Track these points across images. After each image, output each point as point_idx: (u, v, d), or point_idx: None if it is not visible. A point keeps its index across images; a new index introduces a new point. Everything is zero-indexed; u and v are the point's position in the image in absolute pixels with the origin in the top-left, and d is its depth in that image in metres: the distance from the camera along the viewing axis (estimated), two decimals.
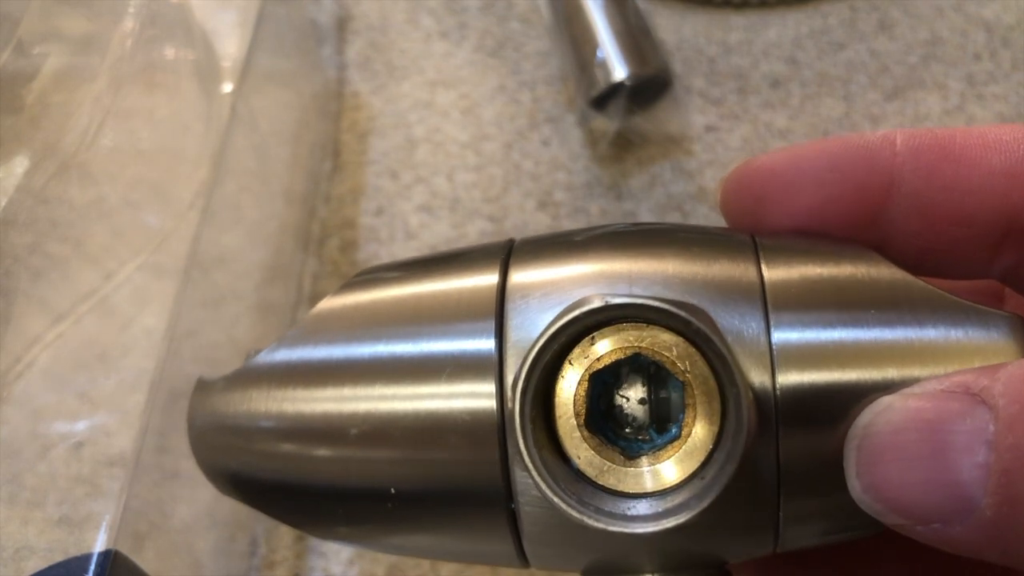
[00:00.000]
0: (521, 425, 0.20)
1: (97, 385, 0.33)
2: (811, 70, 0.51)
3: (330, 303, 0.24)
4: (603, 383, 0.21)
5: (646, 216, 0.47)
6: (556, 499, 0.19)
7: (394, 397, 0.22)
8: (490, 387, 0.21)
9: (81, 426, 0.32)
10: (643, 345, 0.20)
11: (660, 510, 0.20)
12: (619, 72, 0.46)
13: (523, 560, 0.23)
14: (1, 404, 0.31)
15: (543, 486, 0.20)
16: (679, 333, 0.20)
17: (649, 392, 0.21)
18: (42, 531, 0.30)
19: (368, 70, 0.53)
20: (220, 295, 0.38)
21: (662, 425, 0.21)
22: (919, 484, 0.18)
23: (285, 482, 0.23)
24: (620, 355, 0.20)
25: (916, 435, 0.18)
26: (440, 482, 0.22)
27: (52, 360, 0.33)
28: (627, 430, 0.21)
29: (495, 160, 0.49)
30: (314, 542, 0.38)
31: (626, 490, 0.20)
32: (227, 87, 0.38)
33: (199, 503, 0.34)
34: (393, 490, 0.22)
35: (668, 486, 0.20)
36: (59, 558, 0.27)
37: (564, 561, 0.23)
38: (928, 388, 0.19)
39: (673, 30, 0.53)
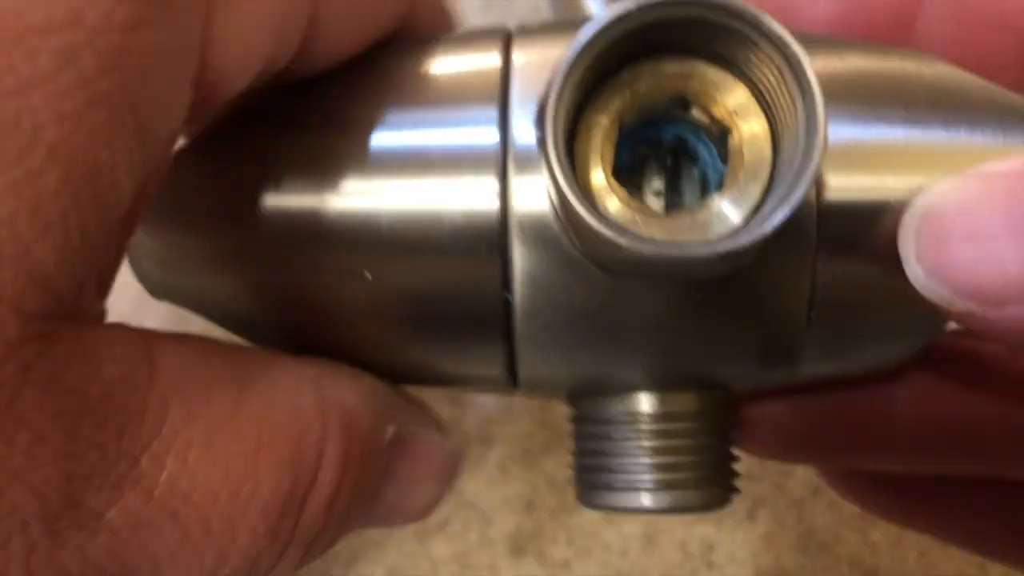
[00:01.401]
0: (554, 141, 0.16)
1: None
2: None
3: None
4: (621, 167, 0.18)
5: None
6: (589, 216, 0.16)
7: (381, 192, 0.20)
8: (490, 181, 0.19)
9: None
10: (688, 83, 0.18)
11: (707, 237, 0.17)
12: None
13: (511, 377, 0.21)
14: None
15: (573, 200, 0.16)
16: (730, 69, 0.18)
17: (669, 183, 0.19)
18: None
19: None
20: None
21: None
22: (995, 263, 0.16)
23: (252, 278, 0.21)
24: (657, 96, 0.18)
25: (989, 212, 0.16)
26: (427, 278, 0.20)
27: None
28: (667, 198, 0.19)
29: None
30: None
31: (664, 237, 0.18)
32: None
33: None
34: (367, 274, 0.20)
35: (718, 231, 0.17)
36: None
37: (554, 370, 0.21)
38: (997, 167, 0.17)
39: None
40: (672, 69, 0.18)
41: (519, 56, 0.20)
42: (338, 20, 0.20)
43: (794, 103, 0.17)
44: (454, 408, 0.39)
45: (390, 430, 0.21)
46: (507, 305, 0.19)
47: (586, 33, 0.16)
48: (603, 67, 0.18)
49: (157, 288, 0.23)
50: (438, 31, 0.23)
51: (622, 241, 0.16)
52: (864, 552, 0.37)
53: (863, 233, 0.19)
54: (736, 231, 0.17)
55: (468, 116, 0.20)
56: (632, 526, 0.37)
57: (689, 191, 0.19)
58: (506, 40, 0.20)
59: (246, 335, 0.23)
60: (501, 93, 0.20)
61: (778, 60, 0.17)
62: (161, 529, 0.16)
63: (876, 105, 0.19)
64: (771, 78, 0.17)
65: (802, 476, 0.38)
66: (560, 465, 0.38)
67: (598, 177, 0.18)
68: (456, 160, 0.19)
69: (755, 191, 0.18)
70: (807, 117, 0.16)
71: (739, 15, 0.17)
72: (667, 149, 0.19)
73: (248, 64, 0.18)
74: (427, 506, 0.22)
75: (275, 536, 0.18)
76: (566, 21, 0.21)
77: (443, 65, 0.21)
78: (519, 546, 0.37)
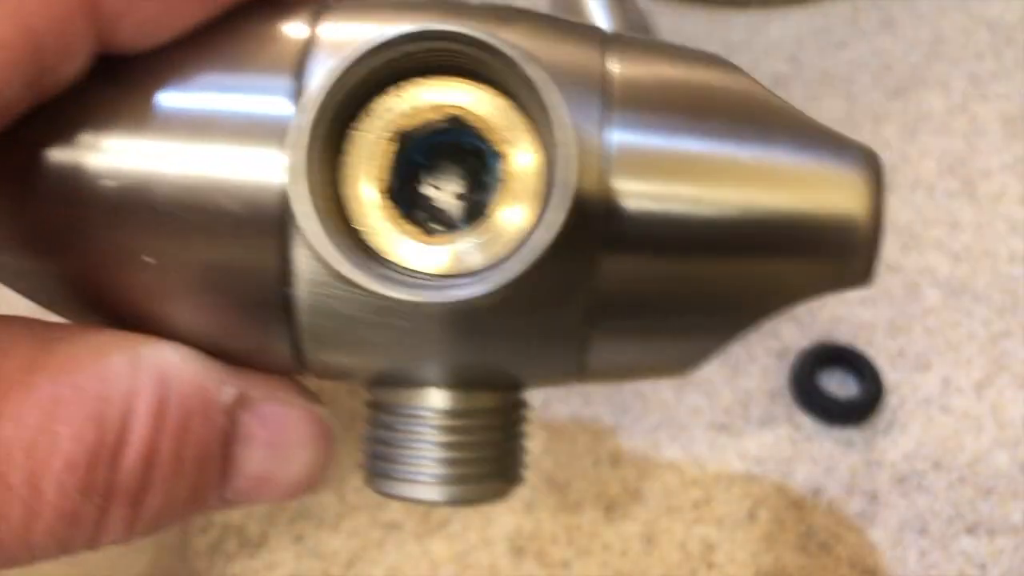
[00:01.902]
0: (306, 165, 0.16)
1: None
2: (813, 69, 0.51)
3: None
4: (412, 166, 0.18)
5: None
6: (329, 252, 0.16)
7: (162, 153, 0.18)
8: (274, 154, 0.18)
9: None
10: (459, 105, 0.17)
11: (450, 284, 0.17)
12: None
13: (299, 360, 0.20)
14: None
15: (314, 237, 0.16)
16: (504, 93, 0.17)
17: (469, 187, 0.19)
18: None
19: None
20: None
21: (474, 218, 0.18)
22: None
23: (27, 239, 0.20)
24: (432, 115, 0.18)
25: None
26: (207, 260, 0.19)
27: None
28: (432, 224, 0.19)
29: None
30: (313, 543, 0.37)
31: (421, 269, 0.18)
32: None
33: None
34: (147, 258, 0.19)
35: (469, 271, 0.17)
36: None
37: (341, 360, 0.21)
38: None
39: (674, 29, 0.53)
40: (444, 89, 0.18)
41: (325, 29, 0.19)
42: (134, 11, 0.19)
43: (553, 138, 0.17)
44: None
45: (228, 390, 0.20)
46: (287, 298, 0.19)
47: (336, 68, 0.16)
48: (374, 84, 0.17)
49: None
50: None
51: (362, 282, 0.16)
52: (864, 552, 0.37)
53: (651, 234, 0.19)
54: (473, 279, 0.17)
55: (262, 85, 0.19)
56: (632, 526, 0.37)
57: (490, 197, 0.19)
58: (317, 12, 0.20)
59: (61, 313, 0.22)
60: (298, 65, 0.19)
61: (533, 95, 0.17)
62: None
63: (679, 116, 0.19)
64: (535, 111, 0.17)
65: (802, 476, 0.38)
66: (560, 465, 0.38)
67: (367, 192, 0.18)
68: (243, 129, 0.18)
69: (517, 220, 0.17)
70: (557, 151, 0.16)
71: (491, 51, 0.17)
72: (469, 154, 0.19)
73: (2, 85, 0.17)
74: (303, 475, 0.21)
75: (88, 490, 0.18)
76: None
77: (251, 32, 0.20)
78: (519, 546, 0.37)
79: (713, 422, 0.40)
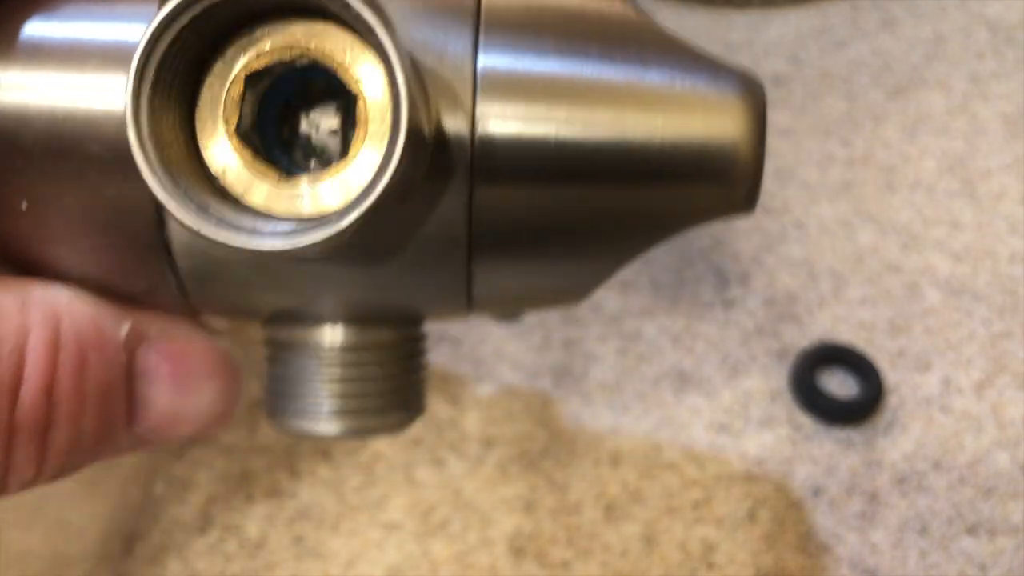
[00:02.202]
0: (135, 112, 0.16)
1: None
2: (813, 69, 0.51)
3: None
4: (287, 102, 0.18)
5: None
6: (170, 201, 0.16)
7: (30, 86, 0.18)
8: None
9: None
10: (311, 46, 0.17)
11: (297, 228, 0.17)
12: None
13: (186, 300, 0.20)
14: None
15: (155, 185, 0.16)
16: (356, 32, 0.17)
17: (342, 124, 0.18)
18: None
19: None
20: None
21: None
22: None
23: None
24: (282, 55, 0.17)
25: None
26: (82, 203, 0.18)
27: None
28: (312, 162, 0.19)
29: None
30: (313, 543, 0.37)
31: (277, 212, 0.17)
32: None
33: None
34: (24, 205, 0.19)
35: (326, 212, 0.17)
36: None
37: (226, 300, 0.21)
38: None
39: (674, 29, 0.53)
40: (299, 30, 0.17)
41: None
42: None
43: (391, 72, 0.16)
44: (454, 408, 0.39)
45: (124, 326, 0.20)
46: (165, 240, 0.19)
47: (162, 13, 0.16)
48: (225, 25, 0.17)
49: None
50: None
51: (193, 226, 0.16)
52: (864, 552, 0.37)
53: (525, 162, 0.19)
54: (319, 221, 0.17)
55: (130, 12, 0.18)
56: (632, 526, 0.37)
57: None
58: None
59: None
60: None
61: (359, 22, 0.16)
62: None
63: (546, 38, 0.19)
64: (371, 42, 0.17)
65: (803, 476, 0.38)
66: (559, 465, 0.38)
67: (219, 135, 0.17)
68: (110, 58, 0.18)
69: (372, 161, 0.17)
70: (392, 92, 0.16)
71: None
72: (343, 91, 0.18)
73: None
74: (212, 407, 0.22)
75: None
76: None
77: None
78: (519, 546, 0.37)
79: (713, 422, 0.40)
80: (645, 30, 0.20)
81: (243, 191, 0.17)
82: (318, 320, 0.21)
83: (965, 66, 0.51)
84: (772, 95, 0.51)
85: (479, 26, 0.19)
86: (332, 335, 0.21)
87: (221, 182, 0.17)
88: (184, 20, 0.16)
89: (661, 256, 0.44)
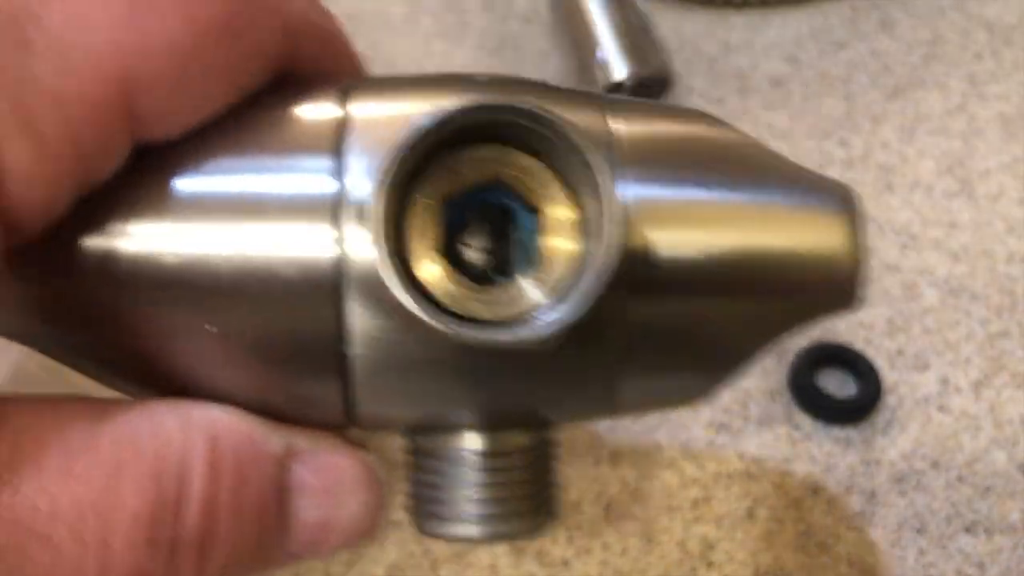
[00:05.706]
0: (377, 233, 0.18)
1: None
2: (812, 70, 0.51)
3: None
4: (452, 224, 0.20)
5: None
6: (415, 309, 0.18)
7: (216, 240, 0.20)
8: (326, 230, 0.20)
9: None
10: (503, 170, 0.20)
11: (513, 326, 0.19)
12: (619, 72, 0.46)
13: (350, 415, 0.22)
14: None
15: (408, 301, 0.18)
16: (538, 155, 0.20)
17: (494, 242, 0.20)
18: None
19: (367, 70, 0.53)
20: None
21: (503, 270, 0.20)
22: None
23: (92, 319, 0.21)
24: (479, 176, 0.20)
25: None
26: (262, 330, 0.20)
27: None
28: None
29: None
30: None
31: (484, 316, 0.20)
32: None
33: None
34: (209, 327, 0.20)
35: (529, 308, 0.20)
36: None
37: (391, 411, 0.22)
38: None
39: (673, 29, 0.53)
40: (489, 155, 0.20)
41: (356, 108, 0.21)
42: (168, 108, 0.20)
43: (596, 198, 0.19)
44: None
45: (277, 441, 0.21)
46: (343, 357, 0.20)
47: (408, 136, 0.18)
48: (427, 151, 0.19)
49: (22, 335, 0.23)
50: (339, 69, 0.24)
51: (445, 329, 0.18)
52: (863, 552, 0.37)
53: (674, 275, 0.21)
54: (533, 319, 0.19)
55: (304, 165, 0.20)
56: (632, 525, 0.37)
57: (516, 252, 0.20)
58: (345, 92, 0.21)
59: (116, 388, 0.23)
60: (337, 144, 0.20)
61: (576, 159, 0.19)
62: (28, 550, 0.17)
63: (680, 168, 0.22)
64: (576, 173, 0.19)
65: (801, 475, 0.38)
66: (560, 465, 0.39)
67: (424, 252, 0.19)
68: (292, 208, 0.20)
69: (559, 275, 0.20)
70: (603, 213, 0.19)
71: (541, 121, 0.19)
72: (496, 211, 0.20)
73: (52, 192, 0.19)
74: (359, 520, 0.22)
75: (154, 544, 0.19)
76: (402, 77, 0.23)
77: (283, 115, 0.21)
78: (519, 546, 0.37)
79: (712, 421, 0.40)
80: (753, 152, 0.23)
81: (450, 300, 0.19)
82: (462, 427, 0.22)
83: (963, 67, 0.51)
84: (770, 96, 0.51)
85: (615, 155, 0.21)
86: (476, 441, 0.22)
87: (432, 293, 0.19)
88: (415, 152, 0.19)
89: None
